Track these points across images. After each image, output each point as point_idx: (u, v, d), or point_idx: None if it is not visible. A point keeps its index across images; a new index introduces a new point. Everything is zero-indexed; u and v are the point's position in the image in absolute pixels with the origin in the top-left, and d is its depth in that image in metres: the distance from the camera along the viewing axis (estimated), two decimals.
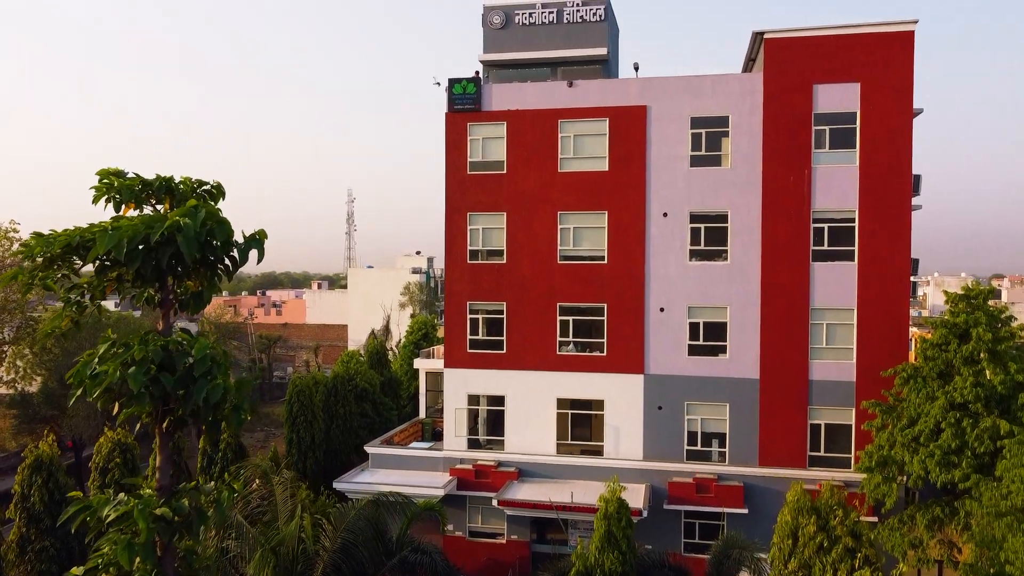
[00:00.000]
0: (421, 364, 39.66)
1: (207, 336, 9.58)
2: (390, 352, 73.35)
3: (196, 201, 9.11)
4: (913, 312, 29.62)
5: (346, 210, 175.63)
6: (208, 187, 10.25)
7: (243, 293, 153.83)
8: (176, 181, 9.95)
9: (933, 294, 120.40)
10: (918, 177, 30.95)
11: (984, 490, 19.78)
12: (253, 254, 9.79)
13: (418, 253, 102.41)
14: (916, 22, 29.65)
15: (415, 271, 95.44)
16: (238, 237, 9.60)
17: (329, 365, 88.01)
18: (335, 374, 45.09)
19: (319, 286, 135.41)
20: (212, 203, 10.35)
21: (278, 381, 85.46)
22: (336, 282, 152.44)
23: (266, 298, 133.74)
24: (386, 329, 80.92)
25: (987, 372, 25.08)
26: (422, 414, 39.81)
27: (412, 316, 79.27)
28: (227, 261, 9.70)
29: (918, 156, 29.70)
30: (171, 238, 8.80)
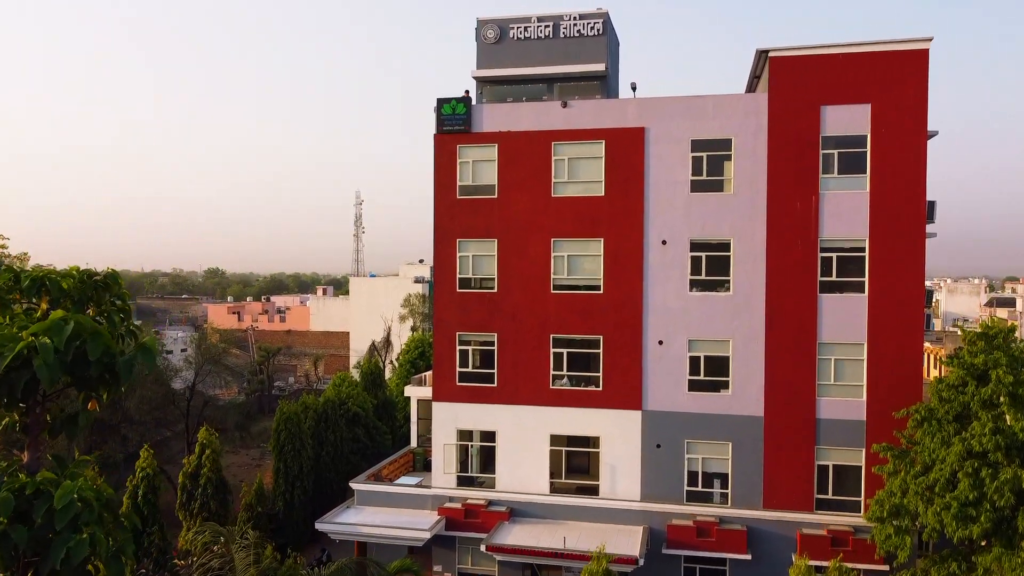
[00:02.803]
0: (412, 392, 38.11)
1: (81, 468, 8.02)
2: (390, 365, 71.98)
3: (64, 312, 7.57)
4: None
5: (354, 212, 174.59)
6: (98, 279, 8.72)
7: (248, 299, 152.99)
8: (56, 274, 8.43)
9: (946, 301, 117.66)
10: (932, 203, 29.11)
11: (1006, 564, 18.12)
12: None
13: (421, 261, 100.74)
14: (931, 39, 27.84)
15: (418, 280, 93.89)
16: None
17: (330, 376, 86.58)
18: (326, 399, 43.70)
19: (324, 292, 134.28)
20: (109, 294, 8.85)
21: (278, 393, 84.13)
22: (342, 286, 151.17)
23: (270, 304, 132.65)
24: (387, 341, 79.46)
25: (1008, 417, 23.31)
26: (413, 443, 38.31)
27: (413, 329, 77.90)
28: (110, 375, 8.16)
29: (931, 177, 27.71)
30: (29, 360, 7.30)
